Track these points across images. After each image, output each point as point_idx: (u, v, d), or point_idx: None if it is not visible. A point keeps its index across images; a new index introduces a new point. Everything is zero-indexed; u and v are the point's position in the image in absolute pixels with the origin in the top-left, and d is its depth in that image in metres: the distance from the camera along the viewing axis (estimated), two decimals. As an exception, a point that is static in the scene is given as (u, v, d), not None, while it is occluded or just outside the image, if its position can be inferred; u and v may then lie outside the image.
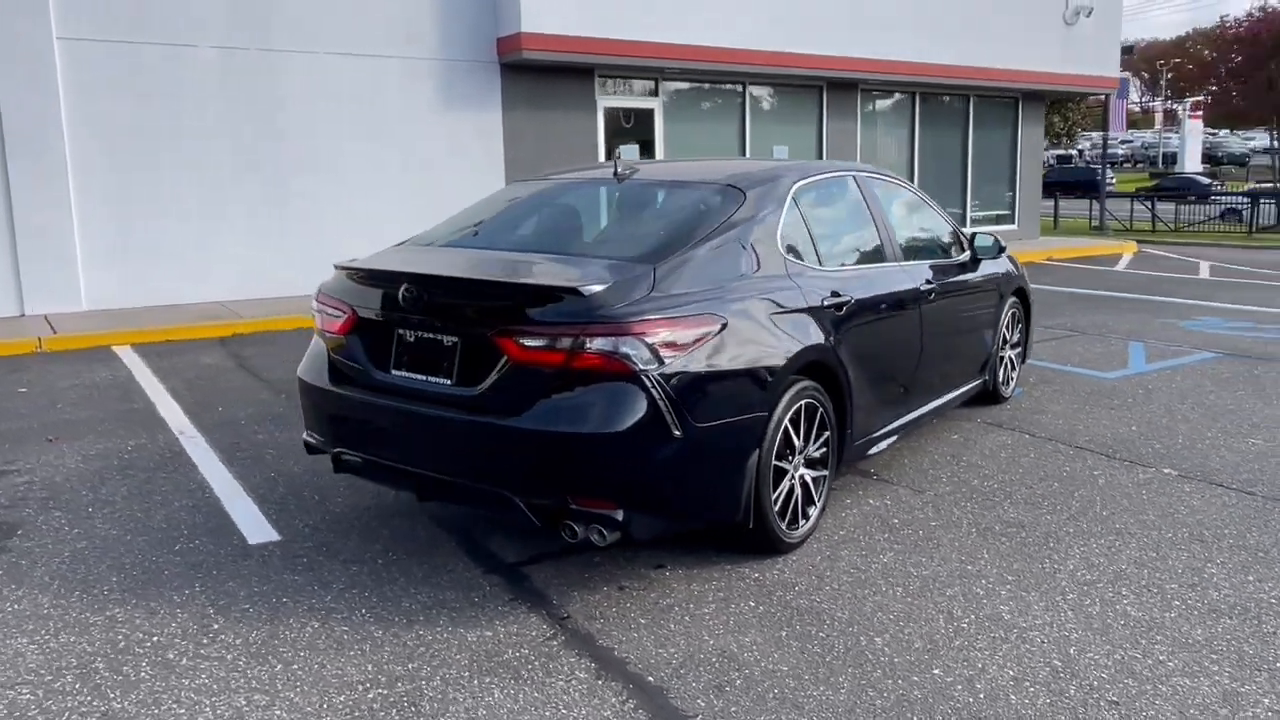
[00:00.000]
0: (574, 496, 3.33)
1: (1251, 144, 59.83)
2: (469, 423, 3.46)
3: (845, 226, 4.75)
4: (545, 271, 3.64)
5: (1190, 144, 50.65)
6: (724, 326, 3.55)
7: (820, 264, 4.32)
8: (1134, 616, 3.47)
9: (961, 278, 5.57)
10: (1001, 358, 6.33)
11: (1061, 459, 5.30)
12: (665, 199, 4.28)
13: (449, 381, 3.58)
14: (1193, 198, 26.79)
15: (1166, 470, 5.10)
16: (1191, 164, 48.46)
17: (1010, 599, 3.62)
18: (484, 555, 4.04)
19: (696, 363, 3.43)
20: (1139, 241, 19.41)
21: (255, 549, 4.13)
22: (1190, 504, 4.60)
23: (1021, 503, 4.63)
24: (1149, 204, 25.63)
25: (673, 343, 3.37)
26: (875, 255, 4.83)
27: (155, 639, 3.34)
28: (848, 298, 4.29)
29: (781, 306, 3.87)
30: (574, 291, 3.34)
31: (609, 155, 13.45)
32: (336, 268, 4.05)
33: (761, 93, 14.96)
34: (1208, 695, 2.95)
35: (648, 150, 13.84)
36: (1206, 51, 23.75)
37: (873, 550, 4.09)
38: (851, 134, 15.74)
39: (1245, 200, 25.29)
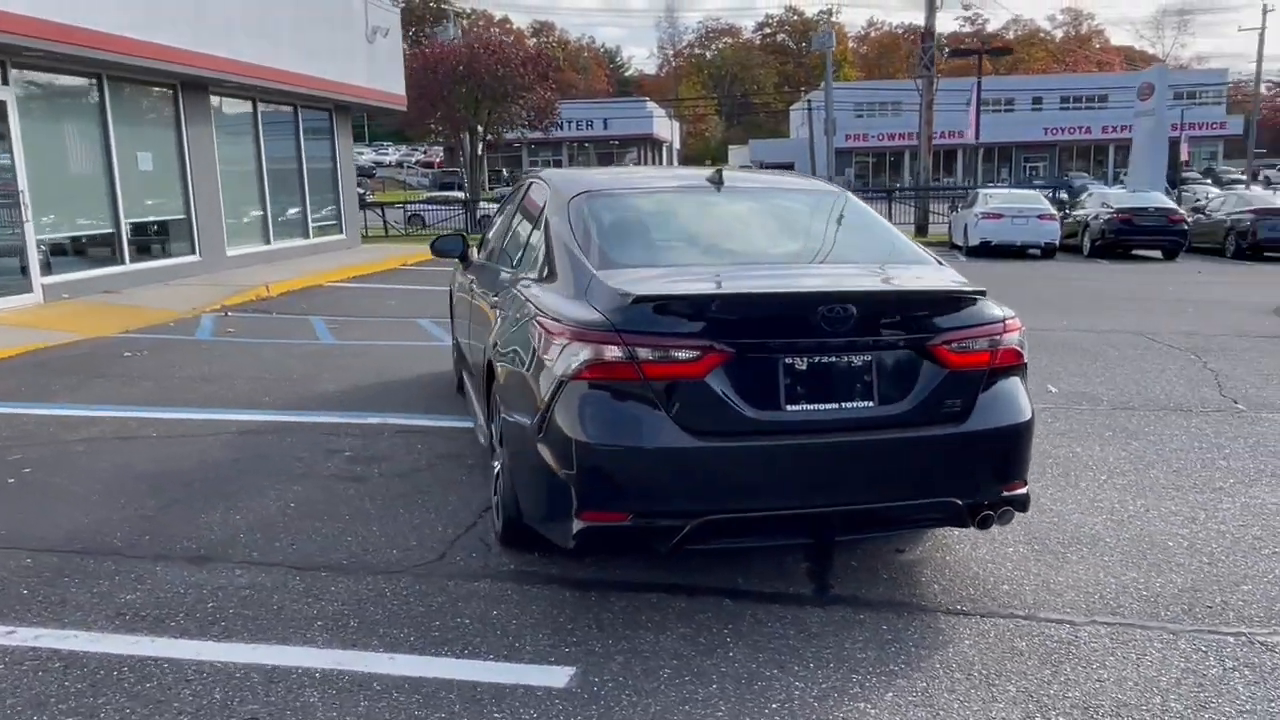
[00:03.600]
0: (1006, 485, 3.53)
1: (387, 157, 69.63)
2: (916, 440, 3.34)
3: None
4: (934, 279, 3.60)
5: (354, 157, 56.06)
6: None
7: None
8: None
9: None
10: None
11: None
12: (819, 205, 4.36)
13: (871, 403, 3.33)
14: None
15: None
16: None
17: (1211, 504, 4.71)
18: (779, 597, 3.72)
19: None
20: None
21: (586, 692, 3.06)
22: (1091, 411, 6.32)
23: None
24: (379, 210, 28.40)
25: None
26: None
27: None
28: None
29: None
30: (982, 294, 3.50)
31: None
32: (646, 298, 3.20)
33: (122, 91, 12.56)
34: None
35: (7, 151, 10.59)
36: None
37: (1060, 486, 4.94)
38: (209, 142, 14.21)
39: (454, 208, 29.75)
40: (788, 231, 4.24)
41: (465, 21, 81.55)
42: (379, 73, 18.46)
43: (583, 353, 3.24)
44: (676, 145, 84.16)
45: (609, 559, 4.01)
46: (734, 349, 3.21)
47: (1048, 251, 20.37)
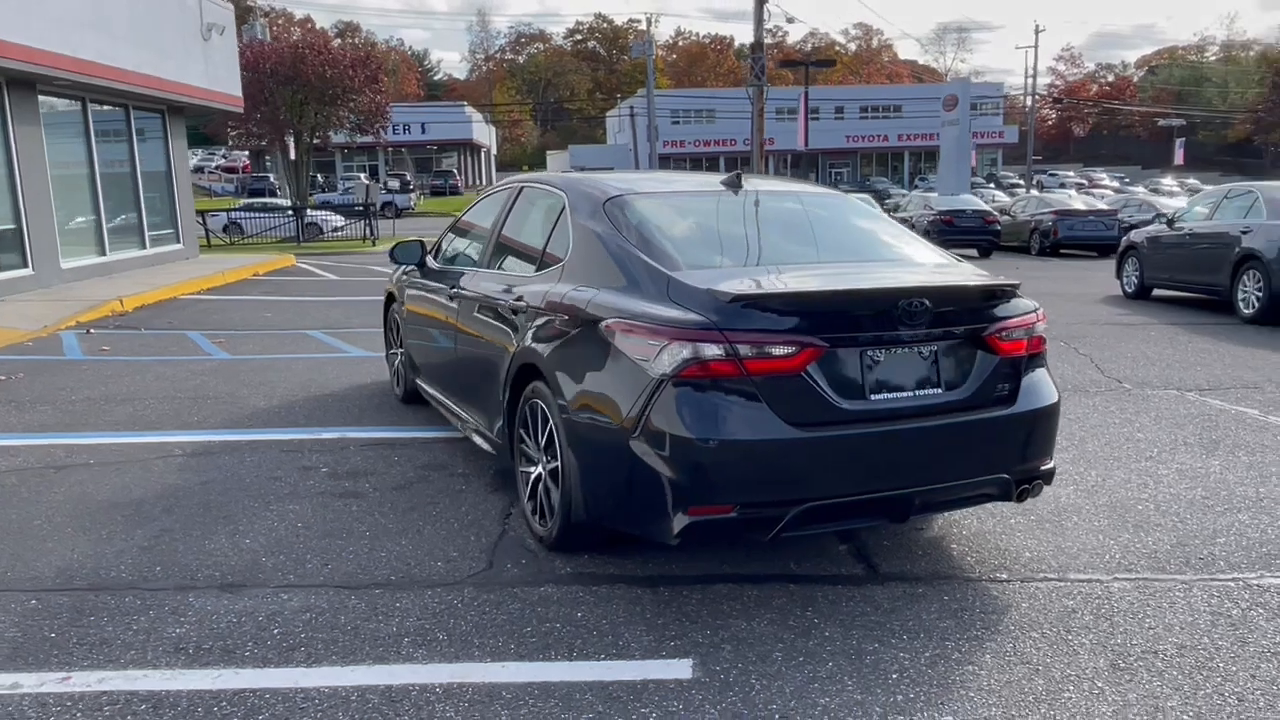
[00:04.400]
0: (1041, 460, 3.88)
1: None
2: (980, 422, 3.62)
3: None
4: (978, 274, 3.88)
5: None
6: None
7: None
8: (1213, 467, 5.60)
9: None
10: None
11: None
12: (839, 208, 4.59)
13: (939, 390, 3.59)
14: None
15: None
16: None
17: (1152, 471, 5.28)
18: (838, 579, 3.92)
19: None
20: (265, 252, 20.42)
21: (714, 680, 3.15)
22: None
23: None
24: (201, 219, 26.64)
25: (1031, 321, 4.13)
26: None
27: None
28: None
29: None
30: (1018, 288, 3.84)
31: None
32: (744, 297, 3.32)
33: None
34: None
35: None
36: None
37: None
38: (39, 145, 12.97)
39: (290, 216, 28.24)
40: (823, 232, 4.44)
41: (264, 19, 77.87)
42: (215, 72, 17.43)
43: (684, 351, 3.31)
44: (493, 151, 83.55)
45: (655, 556, 4.08)
46: (826, 343, 3.39)
47: (881, 251, 21.74)
